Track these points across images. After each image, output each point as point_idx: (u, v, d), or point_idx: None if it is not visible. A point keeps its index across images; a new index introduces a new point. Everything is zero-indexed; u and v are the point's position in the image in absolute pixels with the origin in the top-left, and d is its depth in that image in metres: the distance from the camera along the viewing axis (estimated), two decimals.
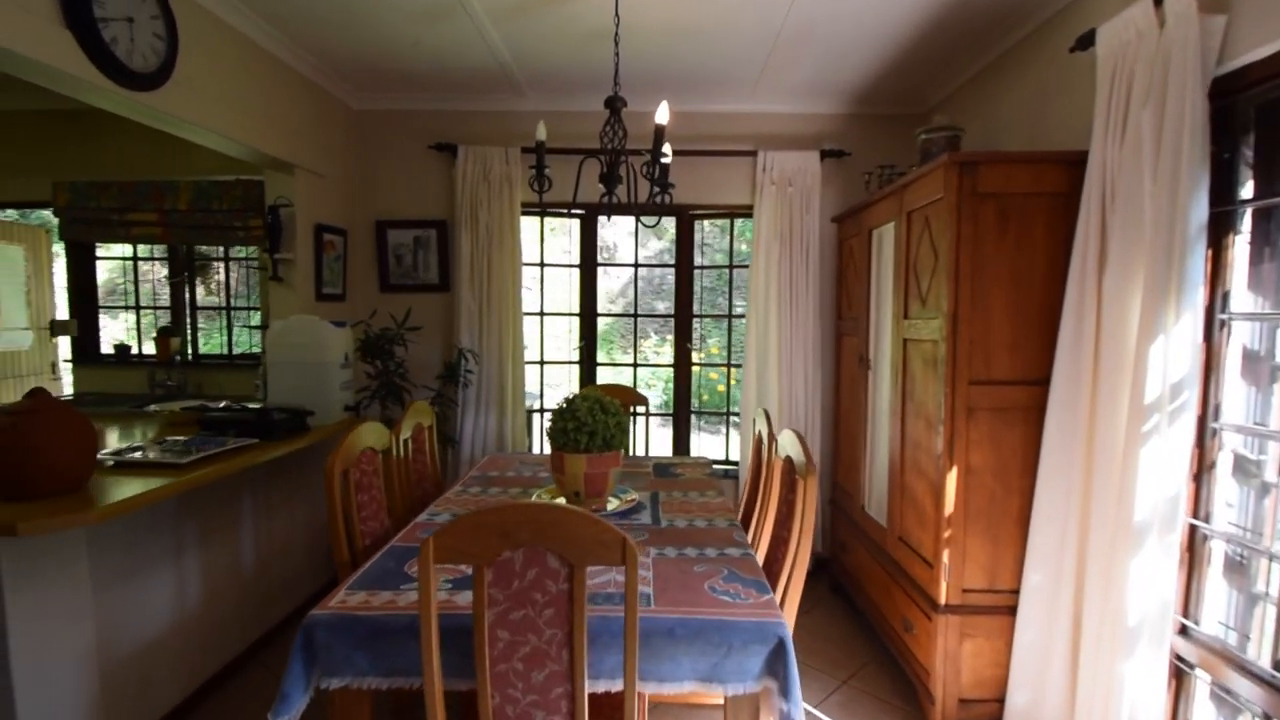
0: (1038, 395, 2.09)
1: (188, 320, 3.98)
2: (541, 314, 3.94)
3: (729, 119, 3.62)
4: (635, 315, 4.07)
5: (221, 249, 4.05)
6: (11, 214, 4.32)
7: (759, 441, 2.57)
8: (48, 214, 3.92)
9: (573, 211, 3.82)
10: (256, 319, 4.13)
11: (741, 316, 3.85)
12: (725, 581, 1.62)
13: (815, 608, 3.29)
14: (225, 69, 2.56)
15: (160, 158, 3.71)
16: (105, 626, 1.96)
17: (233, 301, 4.09)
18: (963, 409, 2.12)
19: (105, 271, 4.11)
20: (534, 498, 2.25)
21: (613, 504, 2.22)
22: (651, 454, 3.35)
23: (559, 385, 4.65)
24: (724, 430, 4.18)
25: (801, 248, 3.56)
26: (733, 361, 4.08)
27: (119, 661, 2.02)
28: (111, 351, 3.88)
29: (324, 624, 1.40)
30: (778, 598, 1.70)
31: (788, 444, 2.03)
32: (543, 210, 3.80)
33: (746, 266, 3.77)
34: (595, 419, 2.08)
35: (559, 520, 1.20)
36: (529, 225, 3.96)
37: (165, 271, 4.01)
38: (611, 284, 4.62)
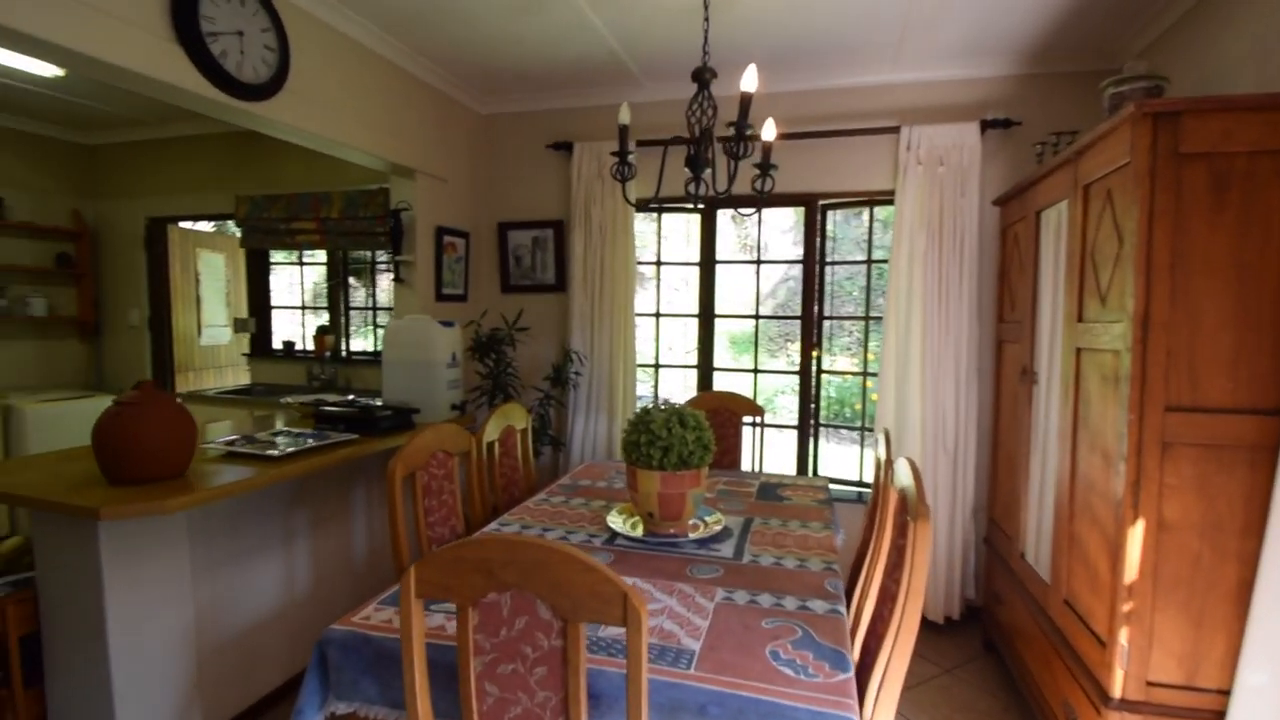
0: (1269, 429, 1.48)
1: (342, 319, 4.36)
2: (657, 315, 3.76)
3: (865, 93, 3.17)
4: (756, 317, 3.74)
5: (369, 253, 4.38)
6: (210, 225, 5.04)
7: (878, 468, 2.16)
8: (232, 224, 4.51)
9: (695, 205, 3.59)
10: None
11: (879, 318, 3.37)
12: (795, 647, 1.30)
13: (961, 666, 2.75)
14: (339, 77, 2.68)
15: (319, 171, 4.09)
16: (206, 607, 2.10)
17: (378, 302, 4.41)
18: (1154, 443, 1.57)
19: (277, 274, 4.63)
20: (611, 514, 2.07)
21: (694, 529, 1.97)
22: (769, 469, 3.02)
23: (671, 392, 4.44)
24: (860, 446, 3.70)
25: (954, 237, 3.01)
26: (869, 370, 3.59)
27: (220, 642, 2.15)
28: (280, 347, 4.37)
29: (336, 642, 1.32)
30: (874, 678, 1.35)
31: (903, 474, 1.64)
32: (659, 206, 3.61)
33: (885, 261, 3.28)
34: (671, 433, 1.85)
35: (545, 561, 0.99)
36: (648, 223, 3.80)
37: (323, 274, 4.44)
38: (761, 284, 4.38)
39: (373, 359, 4.23)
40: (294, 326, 4.56)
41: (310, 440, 2.32)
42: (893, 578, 1.54)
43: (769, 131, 2.07)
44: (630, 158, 2.10)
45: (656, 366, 3.81)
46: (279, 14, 2.33)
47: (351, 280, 4.50)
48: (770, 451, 3.32)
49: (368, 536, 2.82)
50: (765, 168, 2.05)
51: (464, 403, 2.97)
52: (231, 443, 2.24)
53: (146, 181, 4.46)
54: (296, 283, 4.60)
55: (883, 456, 2.05)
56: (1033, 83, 2.99)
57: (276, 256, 4.58)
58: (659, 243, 3.78)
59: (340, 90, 2.69)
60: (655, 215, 3.77)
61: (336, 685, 1.31)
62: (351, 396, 3.14)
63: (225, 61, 2.16)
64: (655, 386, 3.82)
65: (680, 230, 4.26)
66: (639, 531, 1.93)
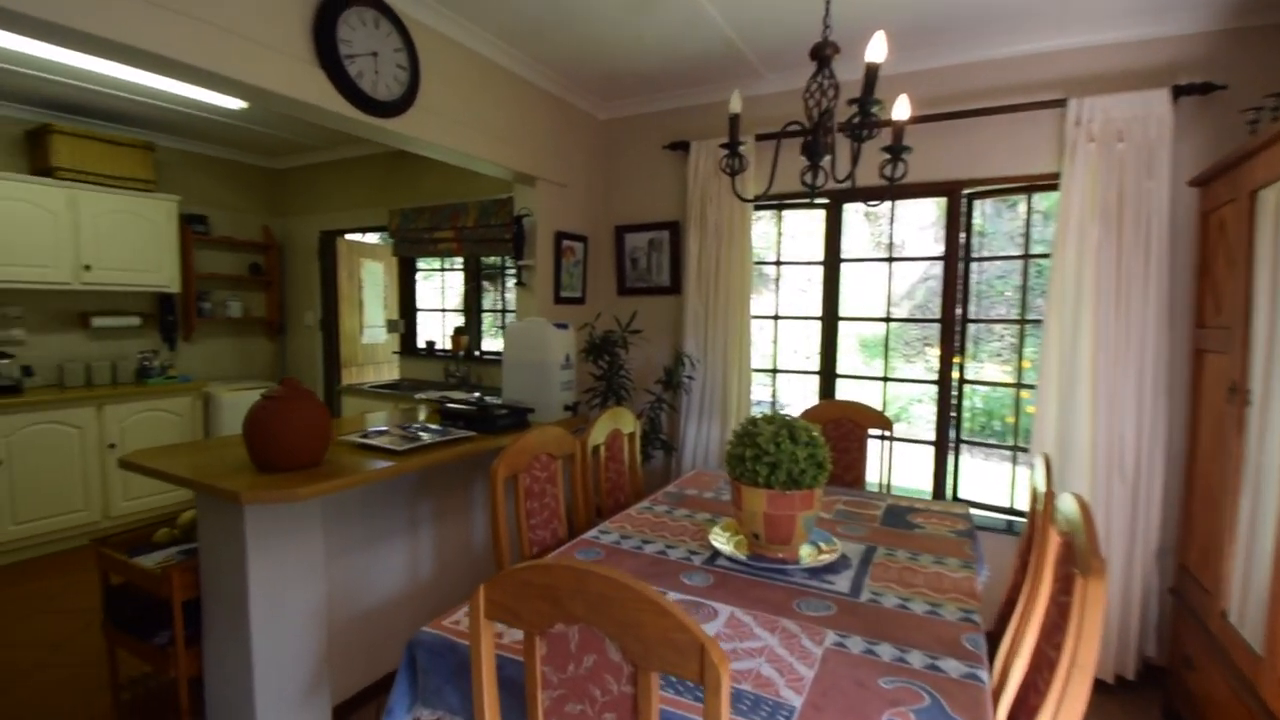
0: None
1: (476, 321, 4.56)
2: (776, 317, 3.52)
3: (1021, 64, 2.72)
4: (887, 320, 3.37)
5: (499, 259, 4.54)
6: (372, 237, 5.50)
7: (1034, 498, 1.81)
8: (387, 235, 4.88)
9: (812, 197, 3.31)
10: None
11: (1037, 321, 2.89)
12: (919, 718, 1.07)
13: None
14: (464, 91, 2.75)
15: (456, 183, 4.30)
16: (338, 588, 2.21)
17: (507, 304, 4.55)
18: None
19: (423, 280, 4.94)
20: (715, 530, 1.90)
21: (805, 554, 1.75)
22: (899, 489, 2.69)
23: (790, 399, 4.15)
24: (1011, 465, 3.20)
25: (1138, 226, 2.49)
26: (1024, 380, 3.10)
27: (348, 621, 2.26)
28: (423, 346, 4.65)
29: (425, 645, 1.29)
30: None
31: (1068, 513, 1.32)
32: (779, 203, 3.38)
33: (1046, 256, 2.81)
34: (780, 448, 1.65)
35: (614, 598, 0.86)
36: (770, 223, 3.58)
37: (461, 279, 4.66)
38: (896, 285, 3.98)
39: (500, 359, 4.36)
40: (436, 327, 4.85)
41: (432, 436, 2.38)
42: (1051, 642, 1.24)
43: (901, 109, 1.80)
44: (741, 149, 1.92)
45: (774, 371, 3.56)
46: (410, 33, 2.41)
47: (485, 284, 4.69)
48: (902, 469, 2.97)
49: (486, 529, 2.87)
50: (896, 151, 1.78)
51: (576, 404, 2.94)
52: (366, 436, 2.35)
53: (320, 199, 4.96)
54: (439, 287, 4.89)
55: (1041, 486, 1.71)
56: (1237, 38, 2.39)
57: (422, 264, 4.89)
58: (779, 242, 3.54)
59: (465, 104, 2.76)
60: (777, 213, 3.53)
61: (423, 690, 1.28)
62: (478, 394, 3.24)
63: (361, 81, 2.27)
64: (773, 392, 3.58)
65: (806, 229, 3.97)
66: (743, 553, 1.75)
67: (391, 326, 4.76)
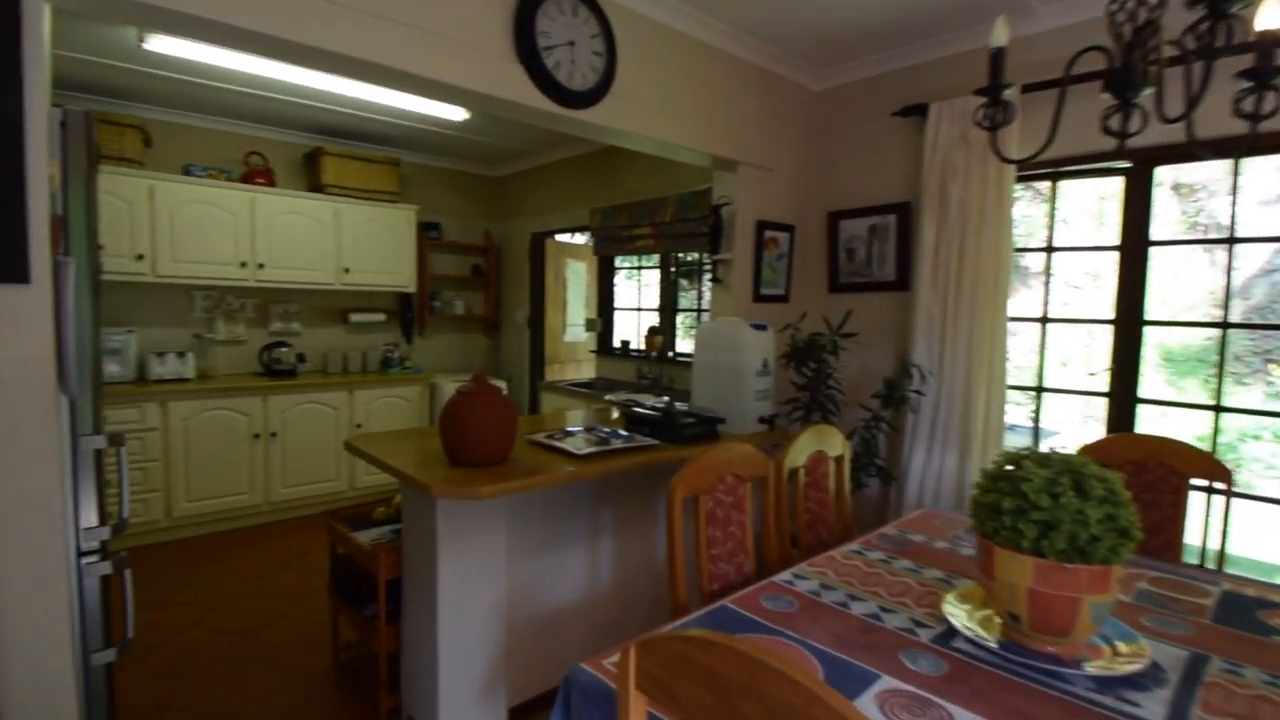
0: None
1: (672, 321, 4.47)
2: (1044, 319, 2.84)
3: None
4: (1224, 325, 2.49)
5: (696, 255, 4.39)
6: (579, 238, 5.73)
7: None
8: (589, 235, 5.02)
9: (1121, 148, 2.60)
10: None
11: None
12: None
13: None
14: (661, 73, 2.61)
15: (655, 177, 4.24)
16: (518, 588, 2.21)
17: (704, 304, 4.39)
18: None
19: (620, 278, 4.99)
20: (951, 598, 1.49)
21: (1092, 655, 1.27)
22: (1238, 565, 1.95)
23: (1062, 427, 3.34)
24: None
25: None
26: None
27: (527, 623, 2.25)
28: (618, 345, 4.70)
29: (580, 686, 1.13)
30: None
31: None
32: (1054, 170, 2.71)
33: None
34: (1059, 502, 1.20)
35: (803, 711, 0.58)
36: (1036, 204, 2.91)
37: (657, 277, 4.61)
38: (1222, 279, 3.02)
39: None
40: (632, 327, 4.87)
41: (618, 442, 2.28)
42: None
43: (1274, 13, 1.22)
44: (1008, 93, 1.48)
45: (1039, 390, 2.87)
46: (607, 16, 2.34)
47: (681, 283, 4.59)
48: (1243, 536, 2.15)
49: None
50: (1266, 76, 1.21)
51: (773, 416, 2.64)
52: (551, 436, 2.33)
53: (532, 203, 5.30)
54: (636, 286, 4.91)
55: None
56: None
57: (620, 262, 4.95)
58: (1051, 223, 2.84)
59: (661, 87, 2.63)
60: (1050, 184, 2.84)
61: None
62: (666, 399, 3.11)
63: (558, 73, 2.25)
64: (1035, 418, 2.89)
65: (1086, 207, 3.17)
66: (993, 637, 1.32)
67: (590, 325, 4.90)
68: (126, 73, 3.39)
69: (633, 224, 4.32)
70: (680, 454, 2.32)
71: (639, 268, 4.76)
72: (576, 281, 5.59)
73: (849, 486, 2.26)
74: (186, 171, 3.99)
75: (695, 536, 1.69)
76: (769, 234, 3.09)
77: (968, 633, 1.34)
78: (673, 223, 4.08)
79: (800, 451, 2.04)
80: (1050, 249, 2.83)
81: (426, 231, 5.07)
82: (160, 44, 2.89)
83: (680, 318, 4.55)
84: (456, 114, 3.90)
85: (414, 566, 2.14)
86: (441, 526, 1.99)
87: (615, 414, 3.00)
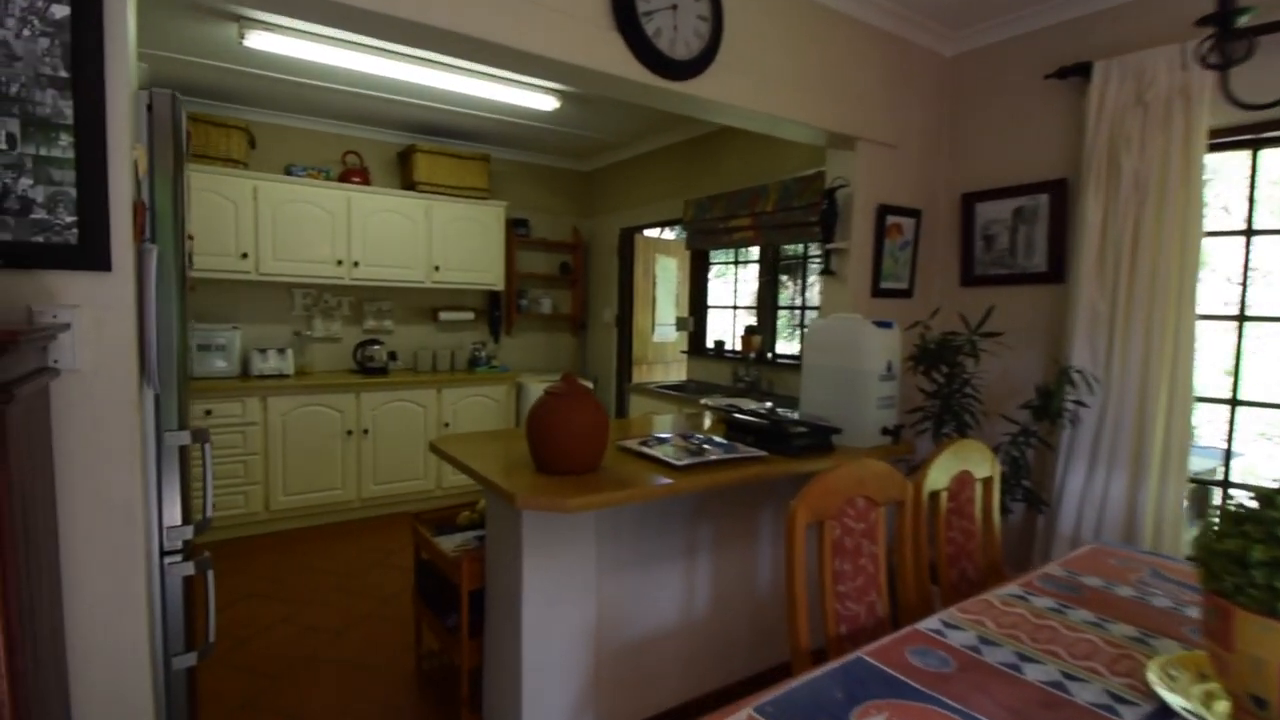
0: None
1: (770, 319, 4.18)
2: (1240, 318, 2.36)
3: None
4: None
5: (800, 247, 4.08)
6: (669, 233, 5.54)
7: None
8: (680, 229, 4.81)
9: None
10: None
11: None
12: None
13: None
14: (773, 40, 2.36)
15: (756, 163, 3.98)
16: (608, 608, 2.03)
17: (807, 300, 4.07)
18: None
19: (715, 274, 4.75)
20: (1156, 665, 1.16)
21: None
22: None
23: (1241, 451, 2.81)
24: None
25: None
26: None
27: (618, 646, 2.07)
28: (712, 346, 4.46)
29: None
30: None
31: None
32: (1254, 139, 2.24)
33: None
34: None
35: None
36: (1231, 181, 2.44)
37: (756, 273, 4.34)
38: None
39: (796, 364, 3.91)
40: (726, 326, 4.62)
41: (717, 452, 2.06)
42: None
43: None
44: (1244, 20, 1.15)
45: (1233, 404, 2.39)
46: None
47: (782, 279, 4.29)
48: None
49: (773, 565, 2.46)
50: None
51: (898, 427, 2.33)
52: (644, 443, 2.15)
53: (621, 197, 5.16)
54: (731, 282, 4.65)
55: None
56: None
57: (716, 257, 4.71)
58: (1251, 200, 2.36)
59: (771, 54, 2.38)
60: (1250, 153, 2.36)
61: None
62: (769, 405, 2.85)
63: (658, 40, 2.06)
64: (1229, 434, 2.40)
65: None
66: None
67: (681, 324, 4.69)
68: (230, 74, 3.52)
69: (730, 215, 4.07)
70: (791, 468, 2.06)
71: (735, 262, 4.50)
72: (666, 278, 5.40)
73: (998, 514, 1.92)
74: (288, 171, 4.13)
75: (820, 570, 1.44)
76: (891, 220, 2.77)
77: (1190, 718, 1.02)
78: (775, 212, 3.81)
79: (942, 471, 1.74)
80: (1249, 232, 2.35)
81: (515, 228, 5.04)
82: (259, 40, 2.94)
83: (781, 316, 4.26)
84: (547, 103, 3.81)
85: (498, 579, 2.01)
86: (527, 538, 1.85)
87: (707, 421, 2.78)
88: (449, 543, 2.45)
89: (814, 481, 1.43)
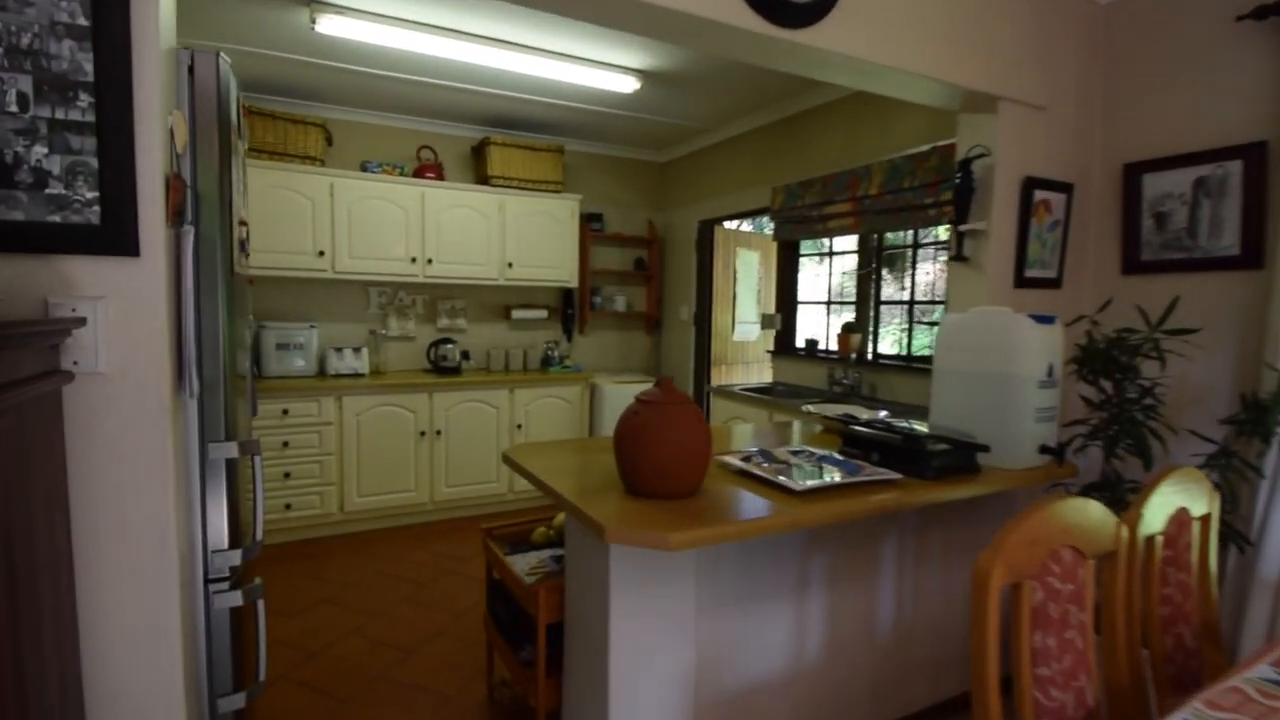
0: None
1: (871, 316, 3.73)
2: None
3: None
4: None
5: (909, 234, 3.61)
6: (747, 225, 5.14)
7: None
8: (767, 219, 4.40)
9: None
10: (939, 314, 3.52)
11: None
12: None
13: None
14: None
15: (859, 142, 3.55)
16: (707, 653, 1.70)
17: (916, 294, 3.60)
18: None
19: (805, 267, 4.32)
20: None
21: None
22: None
23: None
24: None
25: None
26: None
27: (718, 697, 1.73)
28: (802, 345, 4.04)
29: None
30: None
31: None
32: None
33: None
34: None
35: None
36: None
37: (853, 264, 3.89)
38: None
39: (904, 365, 3.46)
40: (818, 323, 4.19)
41: (836, 473, 1.69)
42: None
43: None
44: None
45: None
46: None
47: (884, 272, 3.83)
48: None
49: (895, 604, 2.06)
50: None
51: (1062, 446, 1.88)
52: (748, 459, 1.80)
53: (700, 187, 4.80)
54: (823, 275, 4.21)
55: None
56: None
57: (806, 247, 4.28)
58: None
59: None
60: None
61: None
62: (883, 414, 2.44)
63: None
64: None
65: None
66: None
67: (766, 322, 4.29)
68: (303, 67, 3.39)
69: (826, 200, 3.65)
70: (931, 495, 1.67)
71: (829, 253, 4.05)
72: (747, 274, 5.01)
73: (1215, 562, 1.46)
74: (363, 168, 4.00)
75: (1014, 646, 1.06)
76: (1039, 196, 2.29)
77: None
78: (879, 195, 3.37)
79: (1159, 509, 1.31)
80: None
81: (589, 223, 4.77)
82: (331, 24, 2.77)
83: (886, 313, 3.80)
84: (626, 85, 3.50)
85: (580, 615, 1.71)
86: (616, 571, 1.54)
87: (796, 432, 2.41)
88: (523, 563, 2.18)
89: (1010, 528, 1.04)
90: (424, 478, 3.93)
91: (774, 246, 5.24)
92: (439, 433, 3.95)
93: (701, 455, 1.53)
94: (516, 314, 4.59)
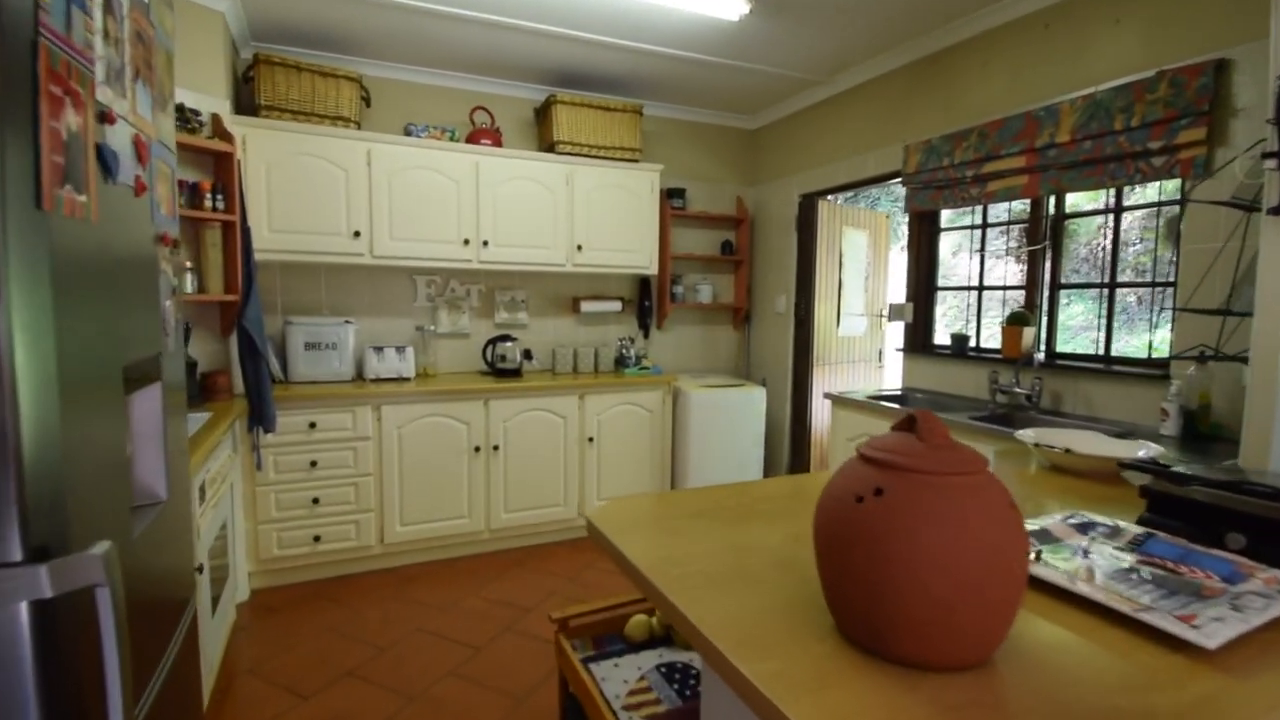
0: None
1: (1049, 304, 2.78)
2: None
3: None
4: None
5: (1107, 195, 2.64)
6: (861, 201, 4.21)
7: None
8: (898, 189, 3.48)
9: None
10: (1166, 301, 2.55)
11: None
12: None
13: None
14: None
15: (1033, 79, 2.61)
16: None
17: (1118, 274, 2.62)
18: None
19: (950, 245, 3.38)
20: None
21: None
22: None
23: None
24: None
25: None
26: None
27: None
28: (947, 342, 3.11)
29: None
30: None
31: None
32: None
33: None
34: None
35: None
36: None
37: (1017, 239, 2.93)
38: None
39: (1102, 367, 2.50)
40: (962, 313, 3.25)
41: (1205, 578, 0.83)
42: None
43: None
44: None
45: None
46: None
47: (1069, 245, 2.86)
48: None
49: None
50: None
51: None
52: (1038, 554, 0.95)
53: (802, 155, 3.91)
54: (971, 253, 3.26)
55: None
56: None
57: (947, 219, 3.34)
58: None
59: None
60: None
61: None
62: (1146, 447, 1.54)
63: None
64: None
65: None
66: None
67: (895, 313, 3.37)
68: (339, 6, 2.69)
69: (986, 157, 2.73)
70: None
71: (982, 226, 3.10)
72: (855, 257, 4.09)
73: None
74: (407, 133, 3.30)
75: None
76: None
77: None
78: (1071, 144, 2.43)
79: None
80: None
81: (669, 200, 3.96)
82: None
83: (1069, 302, 2.83)
84: (733, 9, 2.65)
85: None
86: None
87: (1033, 466, 1.54)
88: (615, 675, 1.40)
89: None
90: (479, 502, 3.21)
91: (884, 226, 4.31)
92: (496, 448, 3.22)
93: (1015, 583, 0.70)
94: (586, 306, 3.83)
